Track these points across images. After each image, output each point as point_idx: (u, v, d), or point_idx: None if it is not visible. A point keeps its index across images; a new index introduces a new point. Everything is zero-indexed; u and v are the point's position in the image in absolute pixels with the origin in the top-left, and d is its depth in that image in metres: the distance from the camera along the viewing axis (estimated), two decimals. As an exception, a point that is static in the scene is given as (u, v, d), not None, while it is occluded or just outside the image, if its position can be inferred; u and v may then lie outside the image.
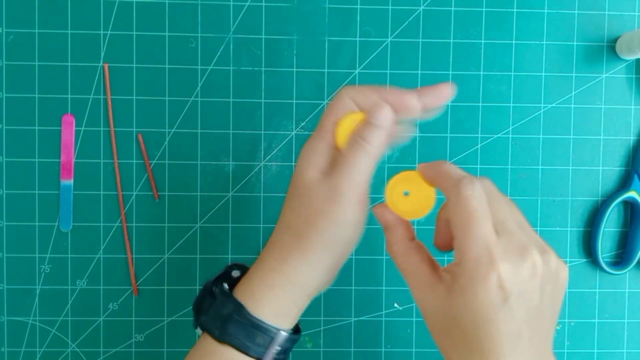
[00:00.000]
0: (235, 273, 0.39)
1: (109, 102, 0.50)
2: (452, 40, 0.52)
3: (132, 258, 0.51)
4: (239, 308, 0.36)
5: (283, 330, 0.37)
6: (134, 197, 0.51)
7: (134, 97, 0.51)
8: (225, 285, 0.38)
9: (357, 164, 0.36)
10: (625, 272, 0.53)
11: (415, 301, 0.37)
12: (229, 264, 0.40)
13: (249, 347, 0.36)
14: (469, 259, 0.32)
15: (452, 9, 0.52)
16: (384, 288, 0.52)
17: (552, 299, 0.35)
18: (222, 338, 0.36)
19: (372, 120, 0.36)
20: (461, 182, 0.33)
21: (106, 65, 0.50)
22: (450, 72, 0.52)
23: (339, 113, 0.37)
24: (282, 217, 0.39)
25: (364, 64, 0.52)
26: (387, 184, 0.37)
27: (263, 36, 0.51)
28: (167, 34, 0.51)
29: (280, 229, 0.38)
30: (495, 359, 0.33)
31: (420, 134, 0.52)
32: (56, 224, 0.51)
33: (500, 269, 0.32)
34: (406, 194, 0.37)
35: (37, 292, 0.51)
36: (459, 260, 0.33)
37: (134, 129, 0.51)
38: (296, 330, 0.39)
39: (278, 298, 0.37)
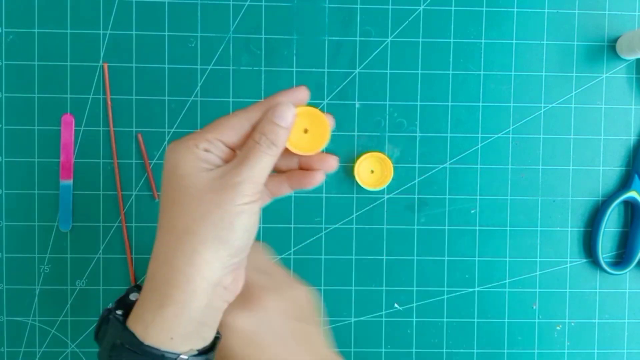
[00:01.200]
0: (134, 296, 0.35)
1: (109, 102, 0.50)
2: (452, 40, 0.52)
3: (131, 258, 0.51)
4: (130, 337, 0.33)
5: (183, 354, 0.33)
6: (133, 197, 0.51)
7: (134, 97, 0.51)
8: (118, 312, 0.34)
9: (260, 163, 0.34)
10: (626, 272, 0.52)
11: None
12: (131, 285, 0.39)
13: None
14: None
15: (452, 8, 0.52)
16: (384, 288, 0.52)
17: None
18: None
19: (276, 121, 0.35)
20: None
21: (106, 65, 0.50)
22: (450, 72, 0.52)
23: (229, 133, 0.35)
24: (165, 220, 0.34)
25: (364, 63, 0.52)
26: None
27: (263, 36, 0.51)
28: (166, 33, 0.51)
29: (164, 233, 0.34)
30: None
31: (420, 134, 0.52)
32: (56, 224, 0.51)
33: None
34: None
35: (37, 292, 0.51)
36: None
37: (134, 129, 0.51)
38: (212, 347, 0.35)
39: (170, 319, 0.33)
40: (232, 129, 0.35)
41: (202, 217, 0.33)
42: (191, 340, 0.33)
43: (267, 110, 0.35)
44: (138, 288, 0.36)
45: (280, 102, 0.35)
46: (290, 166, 0.38)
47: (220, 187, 0.33)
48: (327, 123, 0.37)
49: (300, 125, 0.37)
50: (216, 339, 0.35)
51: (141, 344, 0.32)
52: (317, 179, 0.38)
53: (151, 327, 0.33)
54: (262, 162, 0.34)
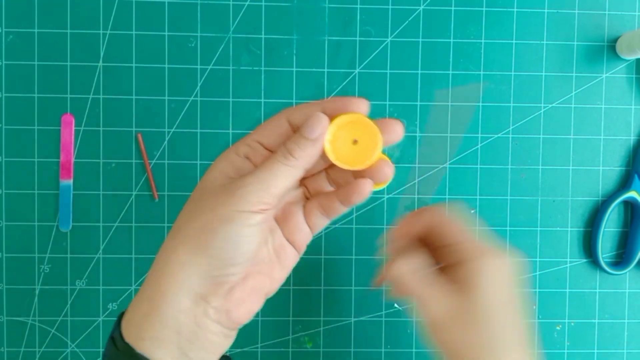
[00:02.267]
0: None
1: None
2: (452, 40, 0.52)
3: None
4: (117, 329, 0.31)
5: None
6: (133, 197, 0.51)
7: (134, 97, 0.51)
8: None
9: (272, 172, 0.31)
10: (626, 272, 0.52)
11: (428, 323, 0.37)
12: None
13: None
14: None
15: (452, 8, 0.52)
16: (384, 288, 0.52)
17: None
18: None
19: (302, 132, 0.32)
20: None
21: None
22: (450, 72, 0.52)
23: (266, 133, 0.33)
24: (176, 225, 0.32)
25: (364, 63, 0.52)
26: (330, 127, 0.33)
27: (263, 36, 0.51)
28: (166, 33, 0.51)
29: (172, 236, 0.32)
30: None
31: (420, 134, 0.52)
32: (55, 224, 0.51)
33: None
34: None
35: (37, 292, 0.51)
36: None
37: (134, 129, 0.51)
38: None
39: (141, 316, 0.31)
40: (270, 130, 0.33)
41: (191, 216, 0.31)
42: (169, 350, 0.30)
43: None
44: None
45: (315, 113, 0.32)
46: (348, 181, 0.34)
47: (223, 190, 0.31)
48: (378, 134, 0.33)
49: (348, 136, 0.33)
50: None
51: (120, 338, 0.31)
52: (362, 189, 0.32)
53: (129, 321, 0.31)
54: (274, 171, 0.31)
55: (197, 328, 0.31)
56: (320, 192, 0.34)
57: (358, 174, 0.33)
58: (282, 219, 0.34)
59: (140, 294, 0.32)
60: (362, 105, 0.32)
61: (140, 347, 0.30)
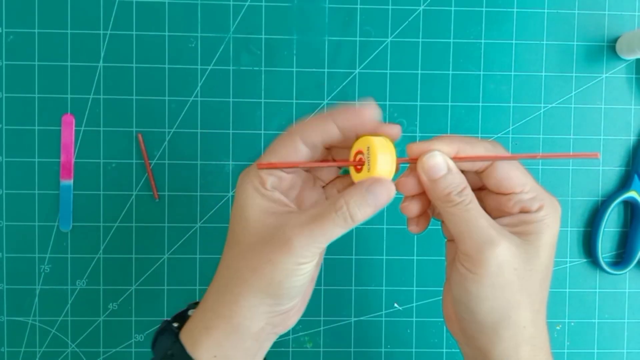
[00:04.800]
0: (192, 312, 0.37)
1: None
2: (452, 40, 0.52)
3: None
4: (180, 348, 0.34)
5: None
6: (133, 197, 0.51)
7: (134, 97, 0.51)
8: (175, 325, 0.36)
9: (327, 230, 0.32)
10: (625, 272, 0.52)
11: (475, 262, 0.33)
12: (193, 301, 0.39)
13: None
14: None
15: (452, 9, 0.52)
16: (384, 288, 0.52)
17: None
18: None
19: (367, 199, 0.33)
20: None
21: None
22: (450, 72, 0.52)
23: (282, 157, 0.34)
24: (225, 252, 0.35)
25: (364, 63, 0.52)
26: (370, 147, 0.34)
27: (263, 36, 0.51)
28: (166, 33, 0.51)
29: (222, 267, 0.36)
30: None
31: (420, 134, 0.52)
32: (56, 224, 0.51)
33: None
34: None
35: (37, 292, 0.51)
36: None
37: (134, 129, 0.51)
38: None
39: (216, 341, 0.34)
40: (286, 154, 0.34)
41: (254, 270, 0.33)
42: None
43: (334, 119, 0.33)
44: (197, 305, 0.37)
45: (381, 180, 0.33)
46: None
47: (278, 241, 0.32)
48: (394, 152, 0.35)
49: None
50: None
51: (189, 357, 0.34)
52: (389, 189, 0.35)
53: (198, 343, 0.34)
54: (330, 232, 0.32)
55: (259, 343, 0.36)
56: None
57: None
58: None
59: (204, 321, 0.35)
60: (393, 129, 0.35)
61: None
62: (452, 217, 0.34)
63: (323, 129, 0.34)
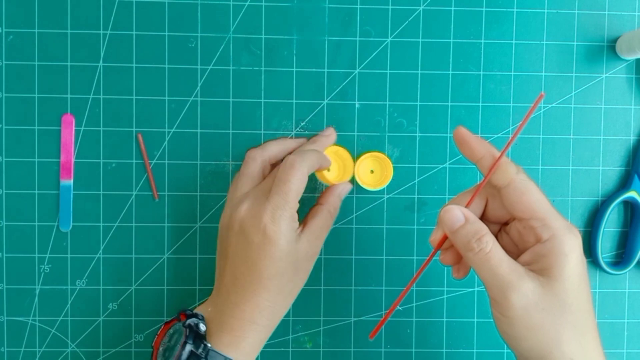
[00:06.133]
0: (202, 327, 0.42)
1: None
2: (452, 40, 0.52)
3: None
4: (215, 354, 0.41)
5: None
6: (133, 197, 0.51)
7: (134, 97, 0.51)
8: (209, 345, 0.41)
9: (324, 231, 0.47)
10: (625, 272, 0.53)
11: (503, 307, 0.36)
12: (184, 319, 0.43)
13: None
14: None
15: (452, 9, 0.52)
16: (384, 288, 0.52)
17: None
18: None
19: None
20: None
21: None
22: (450, 72, 0.52)
23: (248, 180, 0.47)
24: (245, 271, 0.43)
25: (364, 63, 0.52)
26: (356, 163, 0.51)
27: (263, 36, 0.51)
28: (166, 33, 0.51)
29: (242, 282, 0.43)
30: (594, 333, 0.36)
31: (420, 134, 0.52)
32: (56, 224, 0.51)
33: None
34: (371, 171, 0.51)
35: (37, 292, 0.51)
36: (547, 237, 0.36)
37: (134, 129, 0.51)
38: None
39: (251, 344, 0.43)
40: (298, 192, 0.44)
41: (280, 291, 0.43)
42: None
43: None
44: (193, 317, 0.42)
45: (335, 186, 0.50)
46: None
47: (301, 269, 0.45)
48: (390, 165, 0.50)
49: (367, 166, 0.51)
50: None
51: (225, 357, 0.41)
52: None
53: (220, 343, 0.42)
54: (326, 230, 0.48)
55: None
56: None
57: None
58: None
59: (227, 330, 0.43)
60: (328, 139, 0.51)
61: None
62: (475, 265, 0.36)
63: (283, 149, 0.49)
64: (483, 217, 0.40)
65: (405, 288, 0.39)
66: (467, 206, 0.38)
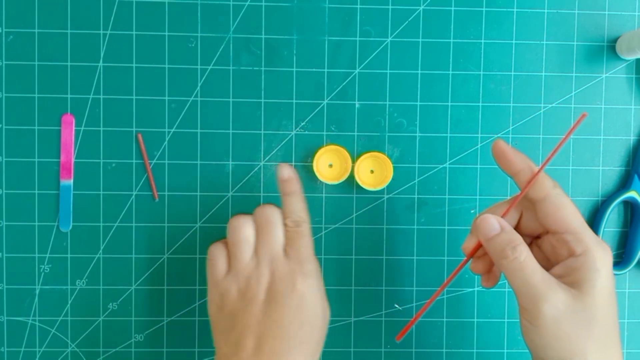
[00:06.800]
0: None
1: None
2: (452, 40, 0.52)
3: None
4: None
5: None
6: (133, 197, 0.51)
7: (134, 97, 0.51)
8: None
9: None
10: (625, 272, 0.53)
11: (533, 316, 0.37)
12: None
13: None
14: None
15: (452, 9, 0.52)
16: (384, 288, 0.52)
17: None
18: None
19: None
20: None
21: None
22: (450, 72, 0.52)
23: (217, 272, 0.43)
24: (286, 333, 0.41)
25: (364, 63, 0.52)
26: (355, 162, 0.50)
27: (263, 36, 0.51)
28: (166, 33, 0.51)
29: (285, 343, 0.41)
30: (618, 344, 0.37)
31: (420, 134, 0.52)
32: (56, 224, 0.51)
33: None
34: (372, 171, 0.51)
35: (37, 292, 0.51)
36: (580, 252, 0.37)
37: (134, 129, 0.51)
38: None
39: None
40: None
41: (313, 354, 0.41)
42: None
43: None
44: None
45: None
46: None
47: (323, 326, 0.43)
48: (390, 165, 0.50)
49: (367, 166, 0.51)
50: None
51: None
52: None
53: None
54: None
55: None
56: None
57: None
58: None
59: None
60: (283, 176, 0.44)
61: None
62: (509, 273, 0.37)
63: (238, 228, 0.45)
64: (516, 229, 0.40)
65: (435, 293, 0.40)
66: (503, 217, 0.39)
